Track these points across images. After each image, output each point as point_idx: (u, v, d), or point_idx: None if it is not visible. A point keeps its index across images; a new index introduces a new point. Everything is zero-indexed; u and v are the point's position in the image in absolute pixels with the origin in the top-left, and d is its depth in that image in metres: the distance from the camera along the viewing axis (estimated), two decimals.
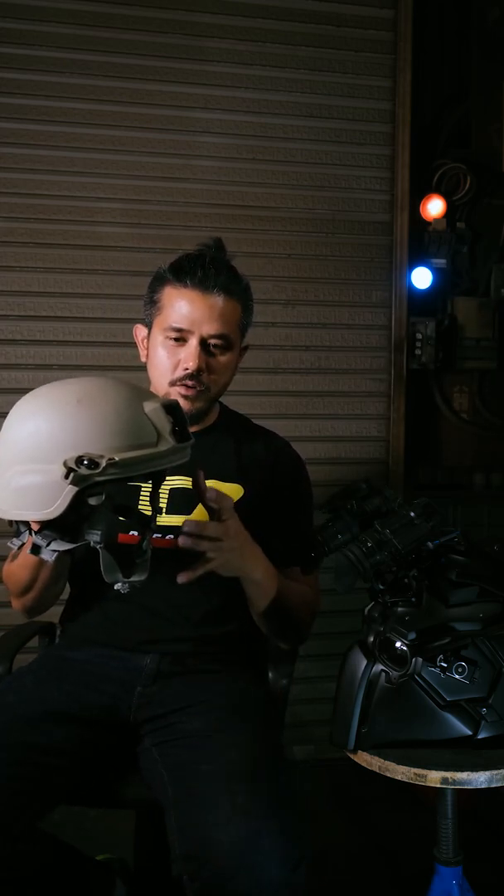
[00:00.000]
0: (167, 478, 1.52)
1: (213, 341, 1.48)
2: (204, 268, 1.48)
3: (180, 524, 1.49)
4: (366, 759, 1.20)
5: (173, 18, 2.54)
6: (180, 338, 1.48)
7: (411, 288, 2.78)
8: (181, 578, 1.27)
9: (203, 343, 1.47)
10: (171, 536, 1.48)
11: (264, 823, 1.12)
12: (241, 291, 1.54)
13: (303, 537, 1.52)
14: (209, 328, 1.47)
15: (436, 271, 2.85)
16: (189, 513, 1.50)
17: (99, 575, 1.49)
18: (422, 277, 2.81)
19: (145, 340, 1.57)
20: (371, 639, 1.21)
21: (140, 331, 1.59)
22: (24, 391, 1.08)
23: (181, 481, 1.53)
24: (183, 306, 1.47)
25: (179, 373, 1.48)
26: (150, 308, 1.54)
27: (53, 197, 2.50)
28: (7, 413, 1.15)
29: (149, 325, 1.55)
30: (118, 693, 1.42)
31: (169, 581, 1.45)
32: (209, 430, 1.58)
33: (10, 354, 2.49)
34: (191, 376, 1.47)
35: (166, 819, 1.24)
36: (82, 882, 1.34)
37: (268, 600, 1.43)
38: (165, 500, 1.51)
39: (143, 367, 1.57)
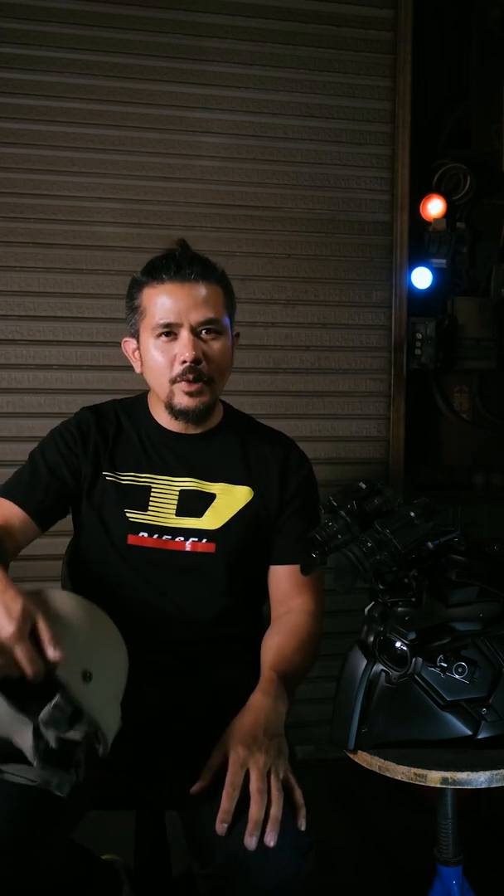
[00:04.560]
0: (176, 478, 1.51)
1: (203, 329, 1.46)
2: (176, 261, 1.46)
3: (191, 527, 1.48)
4: (366, 759, 1.19)
5: (173, 18, 2.54)
6: (170, 332, 1.45)
7: (411, 288, 2.78)
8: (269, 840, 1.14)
9: (194, 332, 1.45)
10: (206, 540, 1.48)
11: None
12: (219, 276, 1.51)
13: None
14: (196, 315, 1.44)
15: (436, 271, 2.85)
16: (200, 516, 1.49)
17: (105, 582, 1.49)
18: (422, 277, 2.81)
19: (136, 352, 1.53)
20: (371, 639, 1.21)
21: (129, 344, 1.55)
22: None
23: (192, 483, 1.51)
24: (165, 301, 1.45)
25: (178, 368, 1.44)
26: (133, 316, 1.51)
27: (53, 197, 2.50)
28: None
29: (136, 335, 1.52)
30: (131, 695, 1.41)
31: (176, 583, 1.45)
32: (215, 432, 1.56)
33: (10, 354, 2.48)
34: (190, 369, 1.44)
35: (180, 813, 1.25)
36: (90, 883, 1.35)
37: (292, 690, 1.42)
38: (175, 502, 1.50)
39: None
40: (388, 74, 2.67)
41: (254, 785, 1.15)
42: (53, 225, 2.50)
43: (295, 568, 1.50)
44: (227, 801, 1.14)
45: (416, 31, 2.69)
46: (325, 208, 2.67)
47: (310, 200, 2.66)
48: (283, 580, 1.53)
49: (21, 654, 1.06)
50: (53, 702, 1.03)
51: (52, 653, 1.07)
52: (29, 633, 1.08)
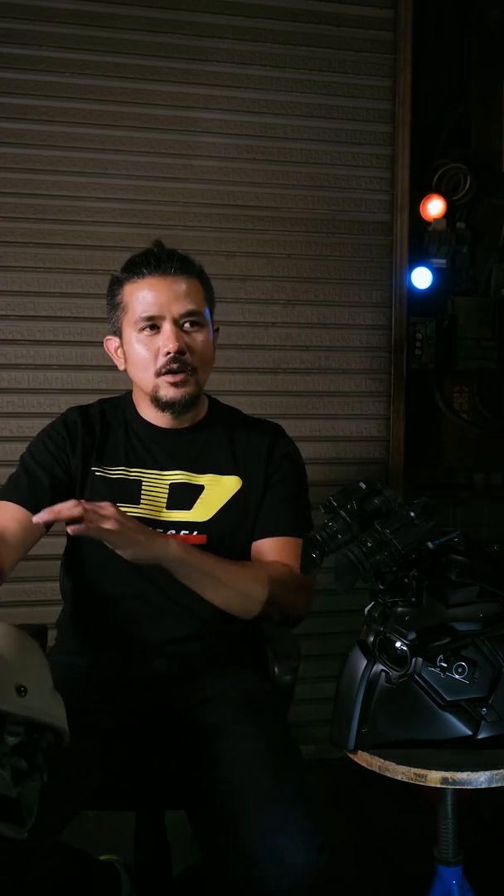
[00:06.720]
0: (165, 472, 1.53)
1: (185, 321, 1.49)
2: (156, 256, 1.49)
3: (182, 520, 1.49)
4: (366, 759, 1.19)
5: (173, 18, 2.54)
6: (153, 325, 1.48)
7: (411, 288, 2.78)
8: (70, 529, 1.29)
9: (177, 324, 1.48)
10: (197, 532, 1.49)
11: (290, 809, 1.15)
12: (198, 271, 1.54)
13: (290, 508, 1.52)
14: (178, 308, 1.47)
15: (436, 271, 2.84)
16: (190, 508, 1.51)
17: (103, 580, 1.49)
18: (422, 277, 2.81)
19: (119, 350, 1.56)
20: (371, 639, 1.21)
21: (111, 342, 1.58)
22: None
23: (181, 476, 1.52)
24: (147, 295, 1.48)
25: (161, 360, 1.47)
26: (114, 313, 1.53)
27: (53, 197, 2.50)
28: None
29: (118, 332, 1.54)
30: (131, 696, 1.41)
31: (171, 576, 1.45)
32: (202, 425, 1.59)
33: (10, 354, 2.48)
34: (174, 360, 1.46)
35: (189, 816, 1.25)
36: (89, 883, 1.35)
37: (200, 573, 1.40)
38: (166, 495, 1.51)
39: None
40: (388, 74, 2.67)
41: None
42: (53, 225, 2.50)
43: (276, 540, 1.50)
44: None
45: (416, 31, 2.69)
46: (325, 208, 2.67)
47: (310, 200, 2.66)
48: (266, 553, 1.52)
49: None
50: (4, 732, 1.00)
51: None
52: None
